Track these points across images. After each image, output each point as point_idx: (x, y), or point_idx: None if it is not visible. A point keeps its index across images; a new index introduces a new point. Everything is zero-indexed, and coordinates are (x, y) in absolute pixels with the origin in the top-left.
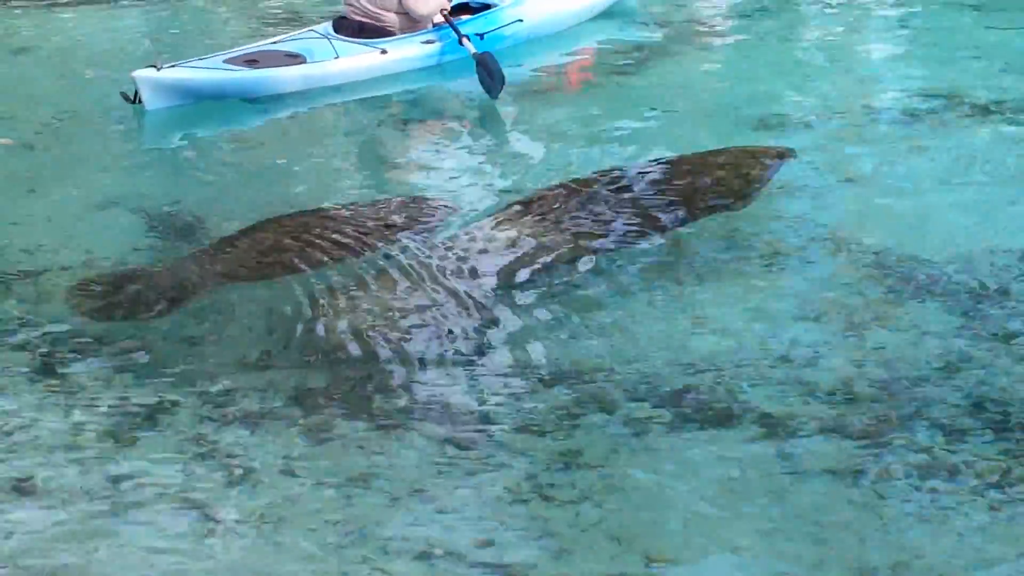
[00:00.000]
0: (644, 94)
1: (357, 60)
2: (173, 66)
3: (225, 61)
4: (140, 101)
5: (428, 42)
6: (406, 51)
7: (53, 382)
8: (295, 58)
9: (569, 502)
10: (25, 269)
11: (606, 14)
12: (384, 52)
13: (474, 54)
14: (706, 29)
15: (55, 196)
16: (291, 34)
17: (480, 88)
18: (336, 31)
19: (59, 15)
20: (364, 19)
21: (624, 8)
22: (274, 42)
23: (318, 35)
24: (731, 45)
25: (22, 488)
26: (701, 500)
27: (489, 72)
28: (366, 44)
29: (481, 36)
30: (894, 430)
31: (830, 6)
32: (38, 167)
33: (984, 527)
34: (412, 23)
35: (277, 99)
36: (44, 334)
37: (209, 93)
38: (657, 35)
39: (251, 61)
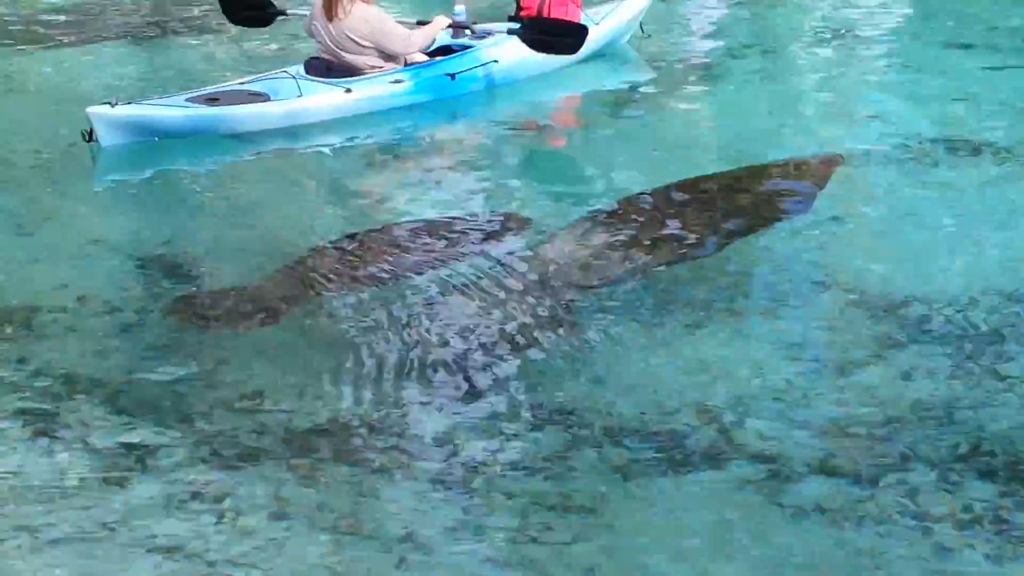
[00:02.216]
0: (636, 131)
1: (320, 99)
2: (129, 103)
3: (187, 99)
4: (95, 139)
5: (396, 81)
6: (372, 90)
7: (44, 424)
8: (258, 96)
9: (560, 544)
10: (17, 310)
11: (596, 57)
12: (348, 91)
13: (509, 30)
14: (699, 70)
15: (45, 236)
16: (262, 74)
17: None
18: (306, 71)
19: (46, 54)
20: (331, 58)
21: (614, 51)
22: (242, 82)
23: (288, 75)
24: (724, 86)
25: (11, 533)
26: (693, 541)
27: (546, 32)
28: (331, 83)
29: (452, 76)
30: (888, 471)
31: (822, 46)
32: (27, 206)
33: (978, 569)
34: (380, 64)
35: (252, 137)
36: (36, 376)
37: (165, 130)
38: (649, 76)
39: (212, 99)
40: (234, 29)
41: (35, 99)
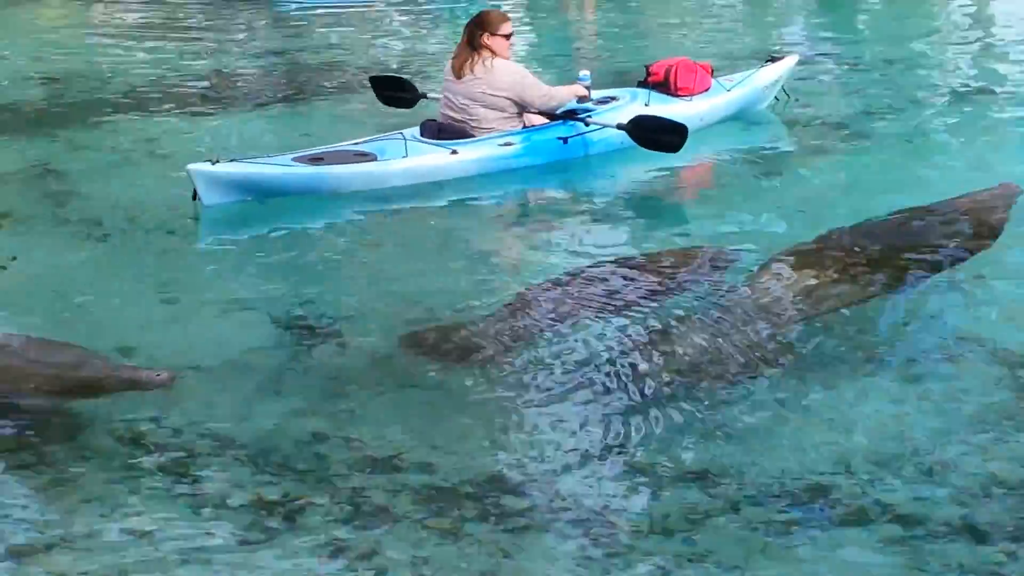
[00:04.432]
0: (776, 188)
1: (425, 160)
2: (232, 160)
3: (294, 159)
4: (199, 198)
5: (506, 144)
6: (479, 152)
7: (184, 483)
8: (364, 157)
9: None
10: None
11: (729, 121)
12: (454, 152)
13: (619, 125)
14: (838, 130)
15: (181, 296)
16: (375, 135)
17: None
18: (420, 133)
19: (184, 120)
20: (448, 119)
21: (749, 115)
22: (355, 143)
23: (401, 137)
24: (866, 145)
25: None
26: None
27: (652, 131)
28: (438, 144)
29: (564, 140)
30: None
31: (964, 105)
32: (171, 270)
33: None
34: (503, 125)
35: (359, 198)
36: (176, 435)
37: (266, 189)
38: (784, 136)
39: (317, 159)
40: (366, 94)
41: (172, 163)
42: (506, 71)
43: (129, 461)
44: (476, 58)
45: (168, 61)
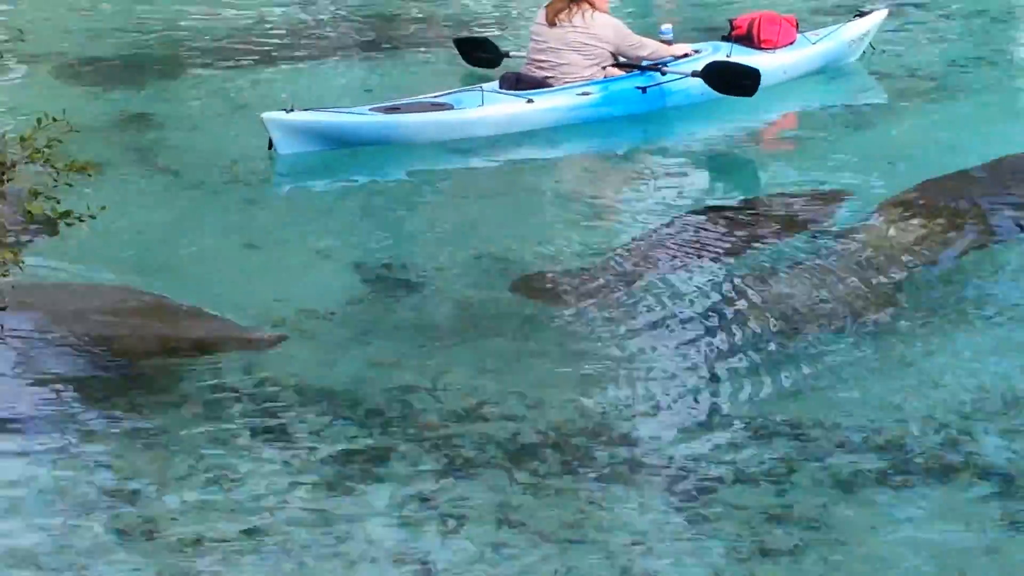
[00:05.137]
0: (862, 140)
1: (500, 109)
2: (306, 110)
3: (371, 109)
4: (274, 148)
5: (583, 94)
6: (555, 101)
7: (272, 433)
8: (440, 107)
9: (787, 555)
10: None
11: (814, 74)
12: (530, 101)
13: (693, 72)
14: (927, 82)
15: (268, 249)
16: (455, 88)
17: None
18: (499, 86)
19: (274, 72)
20: (534, 63)
21: (836, 68)
22: (435, 96)
23: (480, 89)
24: (953, 99)
25: (241, 538)
26: (921, 557)
27: (726, 76)
28: (515, 95)
29: (643, 90)
30: None
31: None
32: (254, 221)
33: None
34: (591, 74)
35: (436, 149)
36: (263, 385)
37: (341, 137)
38: (871, 89)
39: (394, 110)
40: (450, 48)
41: (254, 113)
42: (608, 23)
43: (220, 411)
44: (575, 9)
45: (253, 12)
